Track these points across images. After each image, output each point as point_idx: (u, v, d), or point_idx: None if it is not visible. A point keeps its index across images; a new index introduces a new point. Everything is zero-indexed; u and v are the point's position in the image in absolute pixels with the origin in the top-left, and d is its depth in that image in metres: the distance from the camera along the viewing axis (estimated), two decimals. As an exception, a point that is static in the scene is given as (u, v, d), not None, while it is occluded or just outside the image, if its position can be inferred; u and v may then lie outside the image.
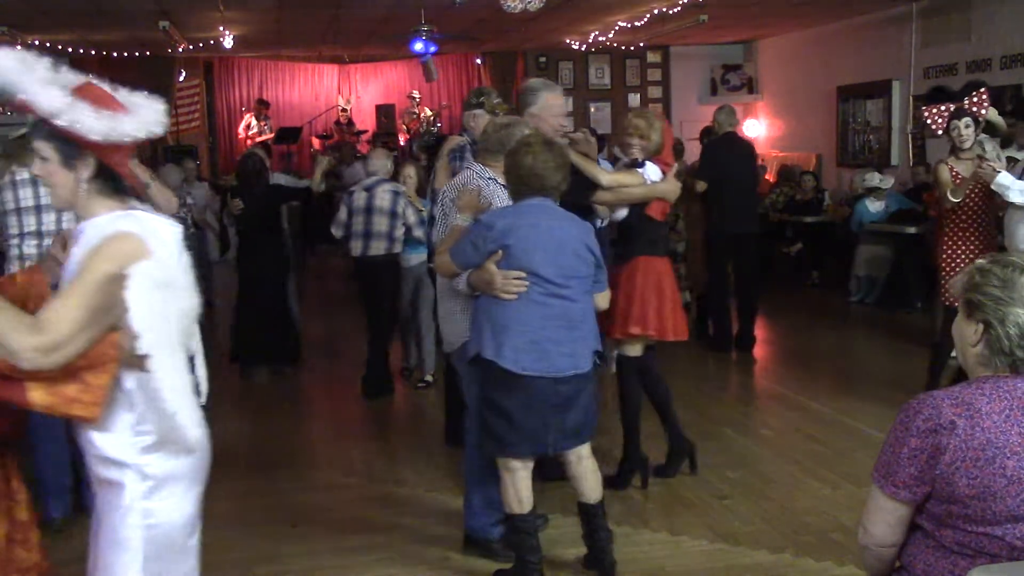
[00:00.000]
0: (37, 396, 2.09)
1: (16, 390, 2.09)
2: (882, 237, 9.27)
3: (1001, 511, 1.99)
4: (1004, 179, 5.24)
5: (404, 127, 15.10)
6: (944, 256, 5.73)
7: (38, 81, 2.17)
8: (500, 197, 3.78)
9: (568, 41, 12.67)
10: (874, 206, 9.36)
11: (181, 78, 13.70)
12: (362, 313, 6.84)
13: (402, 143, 14.63)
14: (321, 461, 5.30)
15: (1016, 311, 2.04)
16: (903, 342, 7.73)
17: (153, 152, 13.05)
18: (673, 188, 4.63)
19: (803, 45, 12.73)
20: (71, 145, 2.24)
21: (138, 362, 2.19)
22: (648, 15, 10.21)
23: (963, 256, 5.60)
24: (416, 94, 15.08)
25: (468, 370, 3.74)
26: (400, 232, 6.42)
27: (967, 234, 5.62)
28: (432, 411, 6.10)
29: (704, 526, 4.25)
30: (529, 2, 7.86)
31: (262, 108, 14.62)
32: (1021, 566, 2.00)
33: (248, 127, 14.44)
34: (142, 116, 2.30)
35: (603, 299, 3.71)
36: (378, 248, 6.41)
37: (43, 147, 2.27)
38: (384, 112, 15.45)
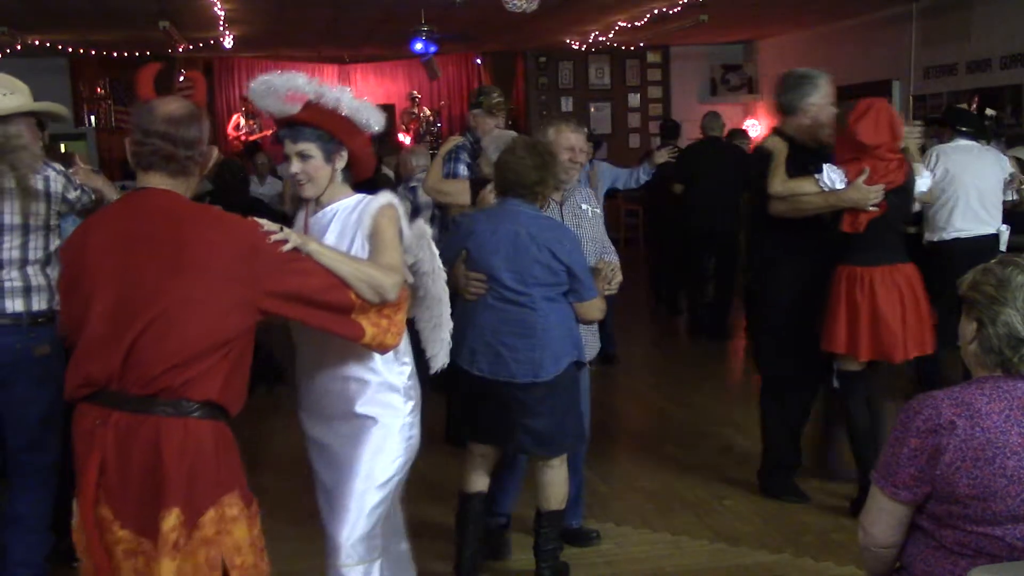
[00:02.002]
0: (367, 328, 2.53)
1: (354, 326, 2.51)
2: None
3: (1001, 511, 1.99)
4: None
5: (404, 127, 15.08)
6: None
7: (321, 84, 2.72)
8: None
9: (568, 41, 12.67)
10: None
11: (181, 78, 13.67)
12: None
13: (408, 143, 14.60)
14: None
15: (1007, 311, 2.05)
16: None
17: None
18: (859, 195, 3.98)
19: (803, 45, 12.72)
20: (332, 142, 2.76)
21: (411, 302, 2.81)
22: (648, 15, 10.21)
23: None
24: (416, 94, 15.07)
25: None
26: None
27: None
28: (430, 409, 6.08)
29: (704, 526, 4.25)
30: (530, 2, 7.87)
31: (250, 106, 14.52)
32: (1021, 566, 2.00)
33: (237, 126, 14.35)
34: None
35: (587, 309, 3.53)
36: None
37: (308, 147, 2.74)
38: (384, 112, 15.42)
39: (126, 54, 12.46)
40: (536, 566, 3.65)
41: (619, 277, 3.79)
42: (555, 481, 3.60)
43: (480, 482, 3.66)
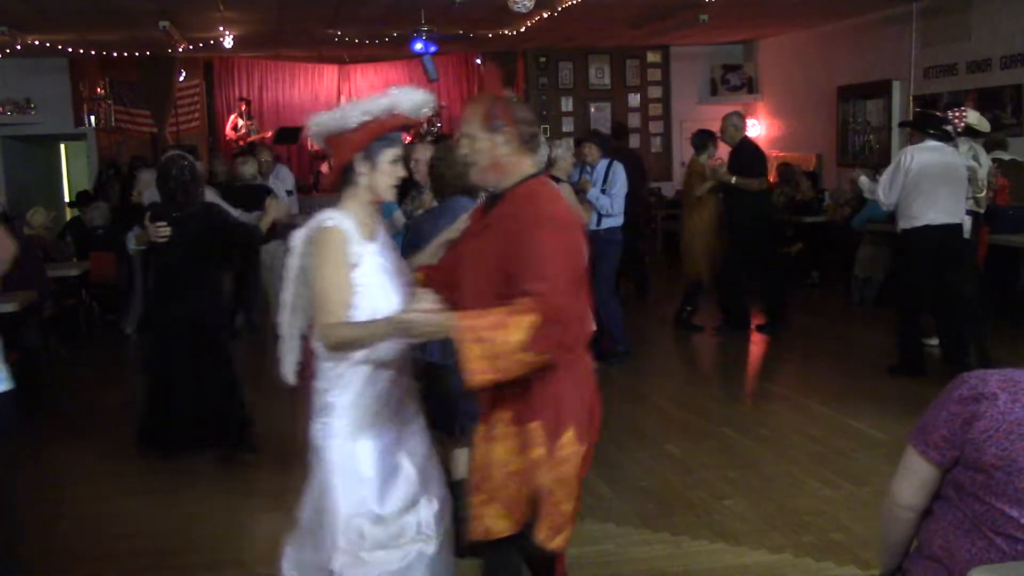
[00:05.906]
0: None
1: None
2: (883, 237, 9.25)
3: (1022, 489, 2.02)
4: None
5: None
6: None
7: None
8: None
9: (568, 41, 12.67)
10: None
11: (181, 78, 13.69)
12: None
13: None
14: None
15: None
16: (903, 342, 7.72)
17: (154, 152, 13.06)
18: None
19: (803, 45, 12.73)
20: None
21: None
22: (648, 15, 10.21)
23: None
24: (416, 94, 15.06)
25: None
26: None
27: None
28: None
29: (704, 526, 4.25)
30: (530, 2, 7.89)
31: (245, 106, 14.41)
32: (1021, 566, 2.02)
33: (235, 127, 14.31)
34: None
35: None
36: None
37: None
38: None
39: (126, 54, 12.46)
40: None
41: None
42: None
43: (463, 467, 3.77)
